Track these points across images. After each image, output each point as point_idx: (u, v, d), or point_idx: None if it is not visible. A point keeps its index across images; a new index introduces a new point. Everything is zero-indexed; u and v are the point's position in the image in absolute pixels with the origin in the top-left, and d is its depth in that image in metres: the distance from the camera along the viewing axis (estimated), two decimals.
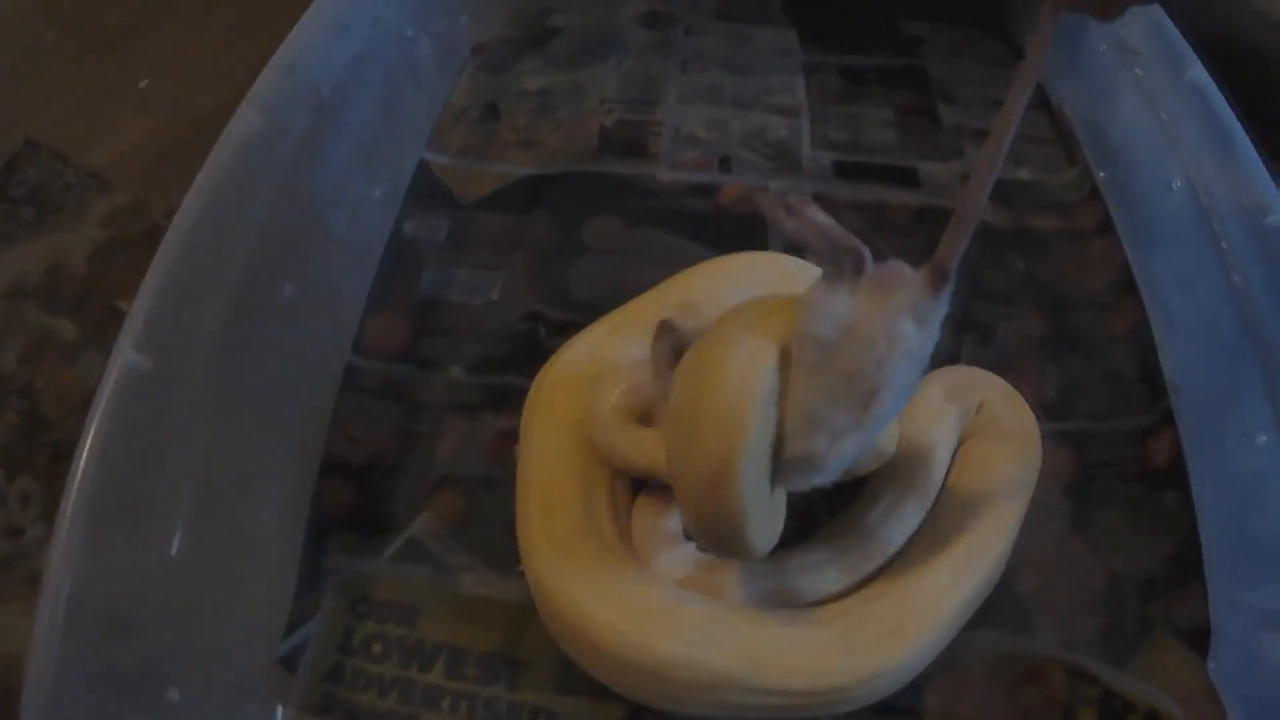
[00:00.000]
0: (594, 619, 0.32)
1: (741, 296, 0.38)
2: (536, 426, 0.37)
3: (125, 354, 0.30)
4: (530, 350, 0.43)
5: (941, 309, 0.27)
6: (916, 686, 0.34)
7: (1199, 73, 0.44)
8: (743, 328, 0.28)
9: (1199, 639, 0.35)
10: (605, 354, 0.38)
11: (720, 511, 0.28)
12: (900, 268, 0.27)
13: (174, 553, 0.31)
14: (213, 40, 0.58)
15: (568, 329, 0.41)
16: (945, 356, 0.44)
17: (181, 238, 0.33)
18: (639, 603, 0.32)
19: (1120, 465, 0.42)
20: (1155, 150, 0.47)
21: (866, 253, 0.27)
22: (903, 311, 0.27)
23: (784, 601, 0.34)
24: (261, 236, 0.37)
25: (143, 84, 0.58)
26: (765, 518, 0.30)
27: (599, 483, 0.35)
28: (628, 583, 0.32)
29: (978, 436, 0.39)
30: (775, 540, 0.31)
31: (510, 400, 0.40)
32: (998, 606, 0.37)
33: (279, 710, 0.34)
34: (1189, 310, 0.43)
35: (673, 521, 0.36)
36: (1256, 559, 0.36)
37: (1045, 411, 0.41)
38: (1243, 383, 0.37)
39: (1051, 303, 0.47)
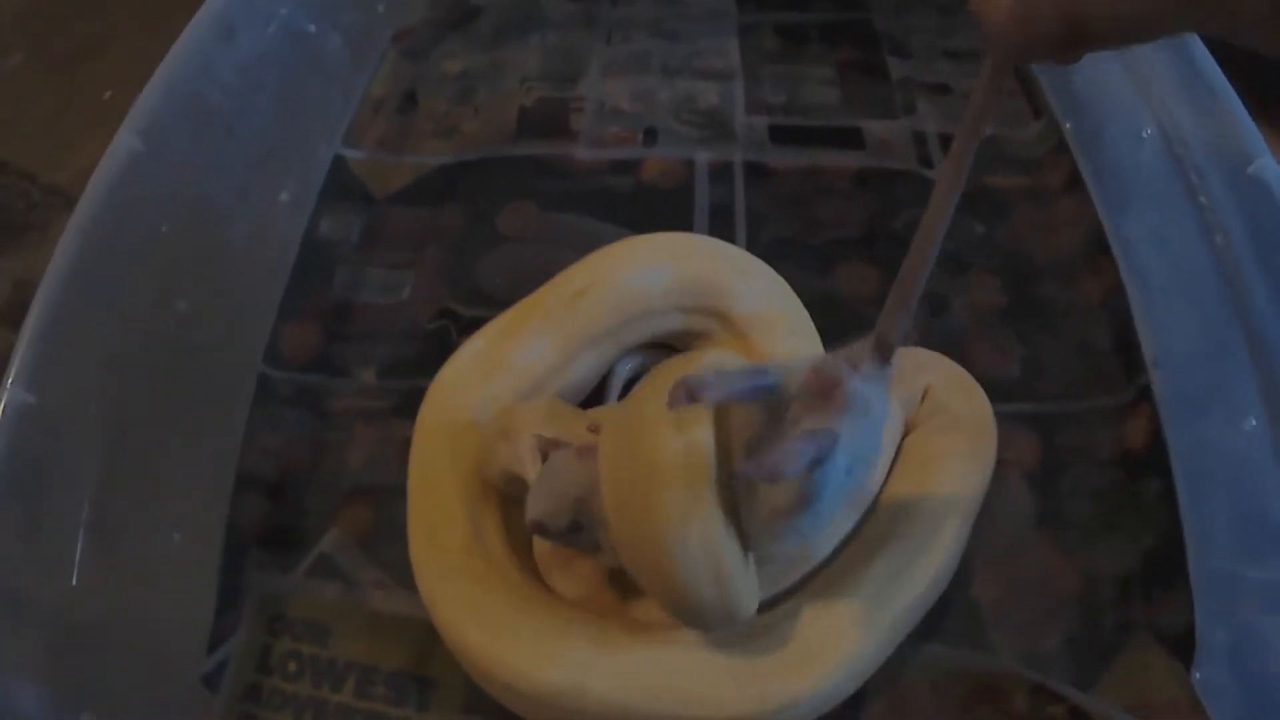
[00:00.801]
0: (477, 645, 0.30)
1: (639, 283, 0.37)
2: (424, 433, 0.35)
3: (7, 392, 0.29)
4: (441, 351, 0.41)
5: (889, 374, 0.26)
6: (853, 707, 0.32)
7: None
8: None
9: (1182, 646, 0.33)
10: (500, 352, 0.37)
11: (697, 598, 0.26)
12: (833, 373, 0.25)
13: (74, 583, 0.31)
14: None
15: (479, 326, 0.39)
16: None
17: (60, 272, 0.32)
18: (523, 627, 0.30)
19: (1093, 450, 0.39)
20: (1124, 96, 0.43)
21: (779, 384, 0.25)
22: (839, 410, 0.24)
23: None
24: (149, 258, 0.36)
25: (107, 95, 0.57)
26: (743, 584, 0.27)
27: (488, 497, 0.34)
28: (513, 607, 0.31)
29: (922, 428, 0.36)
30: (756, 603, 0.28)
31: (420, 404, 0.39)
32: (948, 616, 0.34)
33: None
34: (1167, 275, 0.40)
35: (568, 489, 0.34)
36: (1246, 555, 0.33)
37: (1006, 391, 0.39)
38: (1228, 356, 0.35)
39: (1013, 270, 0.44)
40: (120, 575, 0.33)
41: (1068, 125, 0.49)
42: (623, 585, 0.32)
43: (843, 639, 0.30)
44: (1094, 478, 0.38)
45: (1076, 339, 0.42)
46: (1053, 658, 0.34)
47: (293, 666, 0.35)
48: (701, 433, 0.25)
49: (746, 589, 0.27)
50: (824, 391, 0.24)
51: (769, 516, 0.26)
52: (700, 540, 0.25)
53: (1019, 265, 0.44)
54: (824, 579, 0.32)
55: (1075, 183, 0.46)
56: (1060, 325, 0.42)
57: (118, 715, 0.30)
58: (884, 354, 0.25)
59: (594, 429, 0.30)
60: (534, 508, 0.29)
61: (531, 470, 0.31)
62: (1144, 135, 0.41)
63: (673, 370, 0.27)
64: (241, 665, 0.36)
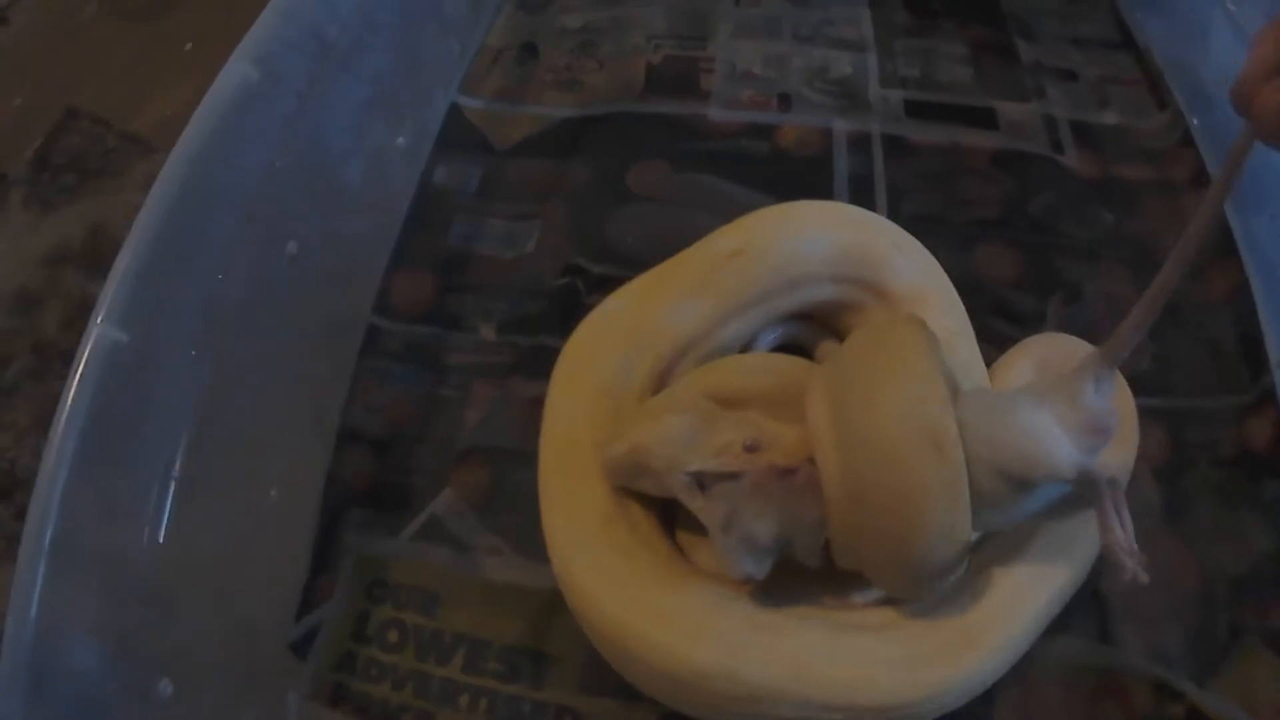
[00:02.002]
0: (620, 621, 0.28)
1: (799, 248, 0.34)
2: (560, 396, 0.33)
3: (97, 328, 0.26)
4: (567, 308, 0.39)
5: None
6: (986, 699, 0.30)
7: None
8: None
9: None
10: (643, 314, 0.34)
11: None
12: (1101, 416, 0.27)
13: (161, 539, 0.28)
14: (257, 4, 0.58)
15: (609, 284, 0.37)
16: (1030, 316, 0.40)
17: (161, 203, 0.29)
18: (672, 604, 0.28)
19: (1215, 448, 0.37)
20: None
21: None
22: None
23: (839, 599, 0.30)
24: (259, 194, 0.33)
25: (187, 47, 0.56)
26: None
27: None
28: (660, 580, 0.28)
29: None
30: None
31: (544, 363, 0.36)
32: (1077, 609, 0.32)
33: (290, 698, 0.32)
34: None
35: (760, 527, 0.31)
36: None
37: (1137, 385, 0.36)
38: None
39: (1142, 261, 0.42)
40: (210, 532, 0.30)
41: (1194, 121, 0.46)
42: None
43: (1000, 624, 0.28)
44: (1215, 476, 0.37)
45: (1203, 336, 0.40)
46: (1174, 655, 0.33)
47: (394, 636, 0.33)
48: (957, 455, 0.24)
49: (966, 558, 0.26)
50: (1096, 430, 0.26)
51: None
52: (959, 538, 0.25)
53: (1148, 257, 0.42)
54: (975, 567, 0.30)
55: (1201, 178, 0.44)
56: (1187, 321, 0.40)
57: (197, 684, 0.28)
58: (1113, 367, 0.26)
59: (752, 447, 0.27)
60: (739, 567, 0.26)
61: (693, 501, 0.27)
62: None
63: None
64: (335, 632, 0.33)
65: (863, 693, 0.27)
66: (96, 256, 0.48)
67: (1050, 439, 0.25)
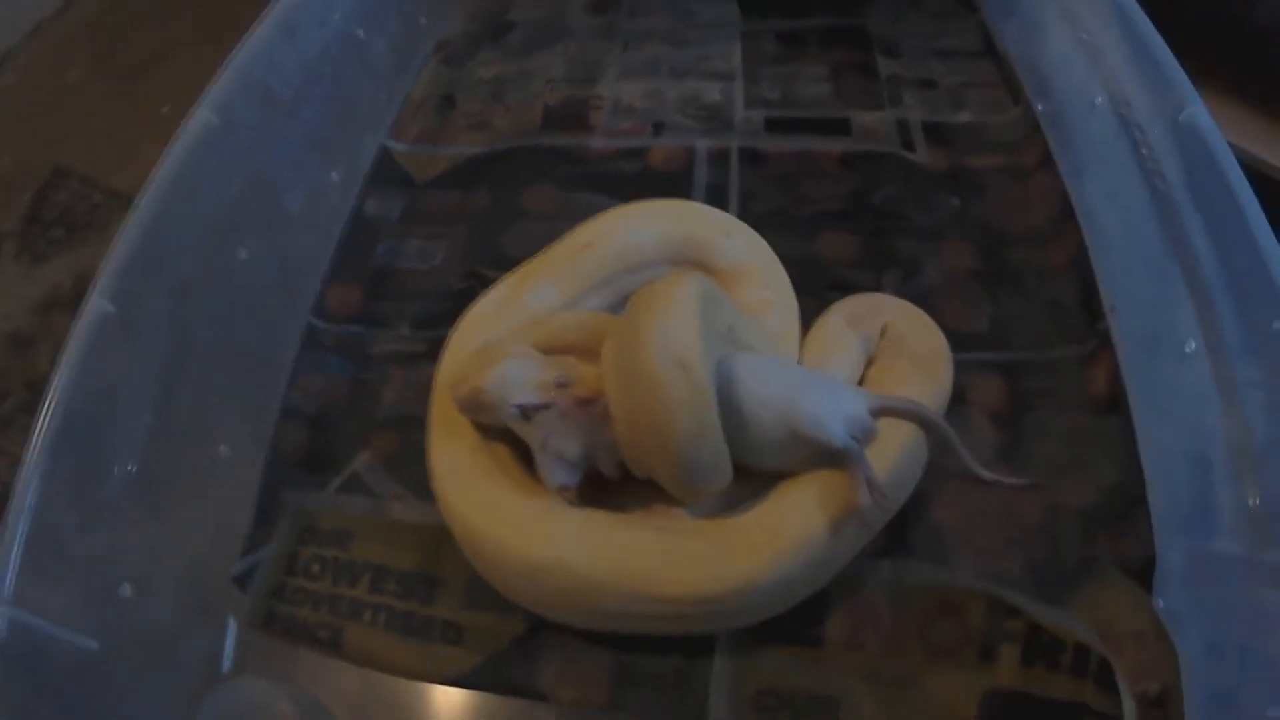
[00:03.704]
0: (478, 529, 0.35)
1: (635, 239, 0.42)
2: (448, 359, 0.40)
3: (93, 300, 0.35)
4: (468, 304, 0.46)
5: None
6: (817, 615, 0.35)
7: None
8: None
9: (1146, 576, 0.35)
10: (515, 298, 0.42)
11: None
12: None
13: (131, 470, 0.35)
14: None
15: None
16: (867, 289, 0.44)
17: (146, 210, 0.38)
18: (518, 513, 0.34)
19: (1060, 395, 0.41)
20: (1080, 72, 0.47)
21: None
22: None
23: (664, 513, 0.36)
24: (218, 209, 0.42)
25: (164, 110, 0.63)
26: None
27: None
28: (511, 496, 0.35)
29: (882, 359, 0.40)
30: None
31: None
32: (908, 535, 0.37)
33: (230, 622, 0.38)
34: (1119, 226, 0.44)
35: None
36: (1199, 485, 0.34)
37: (975, 342, 0.42)
38: (1171, 290, 0.37)
39: (986, 238, 0.48)
40: (173, 475, 0.37)
41: (1039, 107, 0.53)
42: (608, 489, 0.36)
43: (795, 526, 0.33)
44: (1062, 421, 0.40)
45: (1045, 298, 0.45)
46: (1013, 581, 0.36)
47: (316, 568, 0.39)
48: (700, 375, 0.31)
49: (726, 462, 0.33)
50: (861, 429, 0.34)
51: None
52: (709, 443, 0.31)
53: (992, 235, 0.48)
54: (780, 486, 0.35)
55: (1046, 159, 0.50)
56: (1031, 286, 0.45)
57: (153, 592, 0.35)
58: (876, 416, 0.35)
59: (562, 384, 0.34)
60: (553, 479, 0.33)
61: (519, 427, 0.34)
62: (1096, 103, 0.45)
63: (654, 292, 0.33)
64: (271, 568, 0.40)
65: (677, 584, 0.32)
66: (81, 302, 0.53)
67: (829, 417, 0.33)
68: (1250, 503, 0.31)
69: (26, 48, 0.69)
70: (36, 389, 0.46)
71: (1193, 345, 0.35)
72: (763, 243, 0.43)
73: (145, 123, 0.62)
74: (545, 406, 0.33)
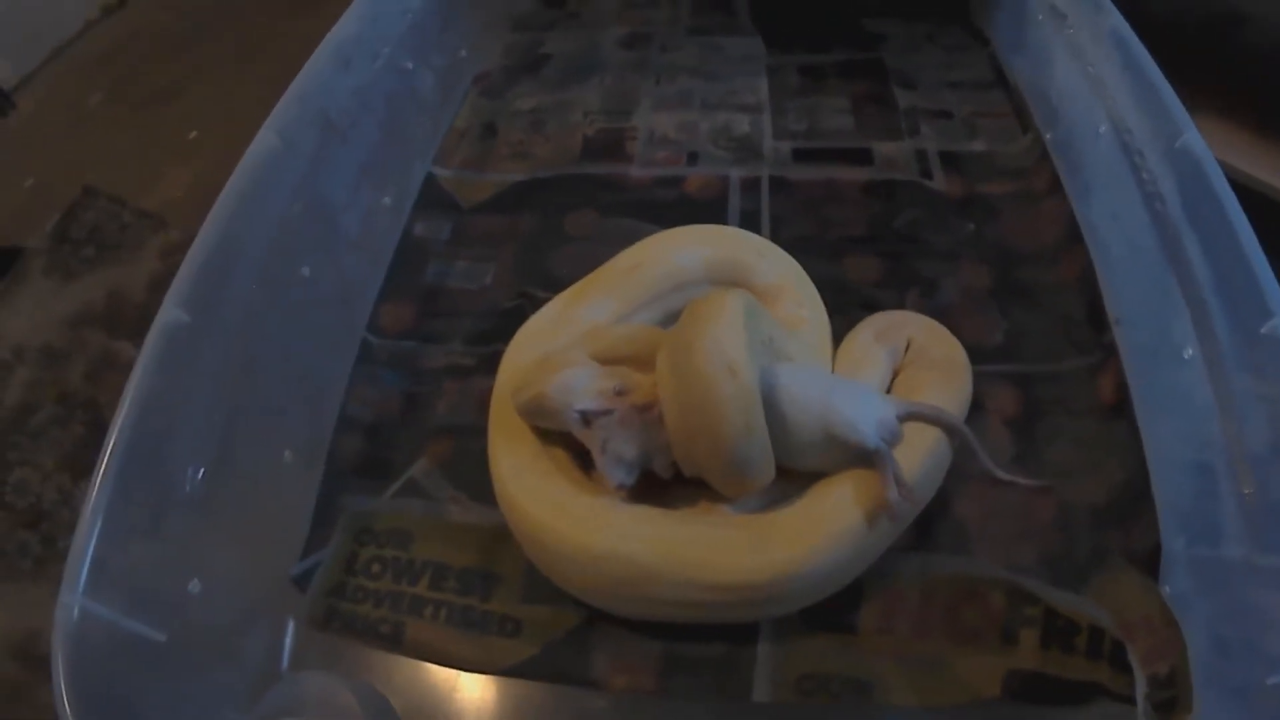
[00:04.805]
0: (541, 523, 0.37)
1: (680, 260, 0.45)
2: (506, 373, 0.43)
3: (168, 311, 0.37)
4: (517, 322, 0.48)
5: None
6: (852, 604, 0.38)
7: (1117, 21, 0.48)
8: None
9: (1153, 565, 0.37)
10: (569, 314, 0.44)
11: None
12: None
13: (201, 475, 0.37)
14: (252, 93, 0.66)
15: None
16: (891, 307, 0.47)
17: (215, 224, 0.40)
18: (579, 508, 0.37)
19: (1070, 402, 0.44)
20: (1086, 102, 0.51)
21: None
22: None
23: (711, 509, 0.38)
24: (281, 228, 0.45)
25: (192, 135, 0.65)
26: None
27: None
28: (569, 493, 0.38)
29: (907, 369, 0.43)
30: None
31: (498, 364, 0.45)
32: (934, 531, 0.39)
33: (289, 623, 0.40)
34: (1122, 244, 0.47)
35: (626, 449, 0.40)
36: (1200, 480, 0.37)
37: (991, 355, 0.45)
38: (1169, 301, 0.40)
39: (1000, 258, 0.51)
40: (239, 478, 0.40)
41: (1048, 136, 0.56)
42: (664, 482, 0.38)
43: (831, 520, 0.36)
44: (1072, 425, 0.43)
45: (1055, 313, 0.48)
46: (1031, 571, 0.38)
47: (376, 568, 0.41)
48: (747, 376, 0.33)
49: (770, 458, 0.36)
50: (889, 432, 0.37)
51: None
52: (756, 439, 0.34)
53: (1005, 255, 0.51)
54: (818, 485, 0.38)
55: (1055, 184, 0.54)
56: (1042, 302, 0.49)
57: (219, 590, 0.36)
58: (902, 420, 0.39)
59: (620, 391, 0.37)
60: (613, 478, 0.36)
61: (580, 431, 0.37)
62: (1100, 131, 0.48)
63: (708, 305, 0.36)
64: (330, 569, 0.41)
65: (724, 572, 0.35)
66: (117, 318, 0.54)
67: (862, 420, 0.36)
68: (1244, 491, 0.34)
69: (45, 72, 0.71)
70: (67, 403, 0.49)
71: (1190, 351, 0.38)
72: (795, 264, 0.46)
73: (170, 147, 0.64)
74: (606, 412, 0.36)
